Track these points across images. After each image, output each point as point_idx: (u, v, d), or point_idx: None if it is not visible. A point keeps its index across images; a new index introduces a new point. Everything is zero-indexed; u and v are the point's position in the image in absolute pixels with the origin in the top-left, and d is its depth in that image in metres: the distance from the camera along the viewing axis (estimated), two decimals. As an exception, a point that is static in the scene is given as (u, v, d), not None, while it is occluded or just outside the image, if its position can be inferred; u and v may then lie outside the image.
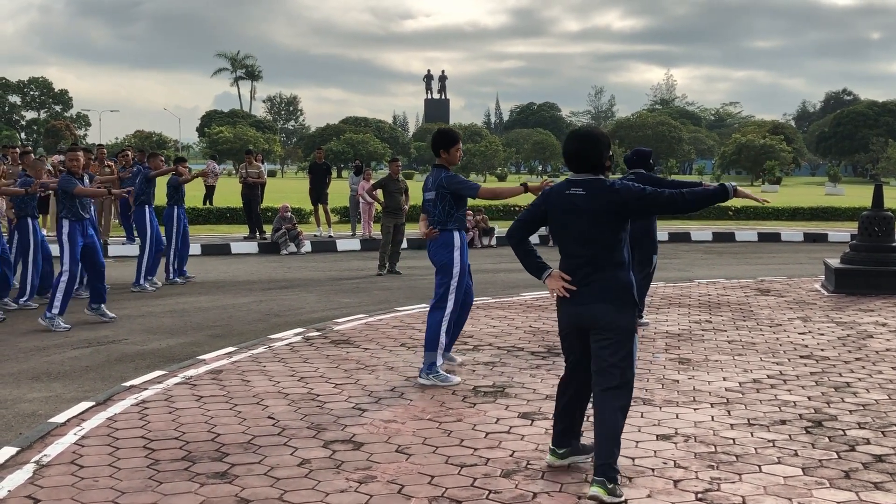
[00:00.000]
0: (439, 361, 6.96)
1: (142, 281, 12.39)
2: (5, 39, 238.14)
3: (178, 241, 13.16)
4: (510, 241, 4.91)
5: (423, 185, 7.26)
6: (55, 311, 9.39)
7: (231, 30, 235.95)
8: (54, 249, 10.79)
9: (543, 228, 5.19)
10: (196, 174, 15.24)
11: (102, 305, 9.96)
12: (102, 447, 5.35)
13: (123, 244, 17.43)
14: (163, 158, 13.26)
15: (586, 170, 4.66)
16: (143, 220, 12.54)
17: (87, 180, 10.12)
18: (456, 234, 7.06)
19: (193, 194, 29.81)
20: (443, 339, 6.97)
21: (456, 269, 7.04)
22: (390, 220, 14.51)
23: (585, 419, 5.07)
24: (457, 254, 7.03)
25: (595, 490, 4.42)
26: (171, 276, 13.19)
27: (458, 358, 7.59)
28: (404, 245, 15.86)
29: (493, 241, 19.94)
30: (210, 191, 29.08)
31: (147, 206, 12.64)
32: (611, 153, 4.81)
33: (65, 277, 9.47)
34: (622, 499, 4.44)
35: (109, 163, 18.12)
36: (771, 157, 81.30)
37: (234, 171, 72.11)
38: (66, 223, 9.58)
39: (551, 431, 5.08)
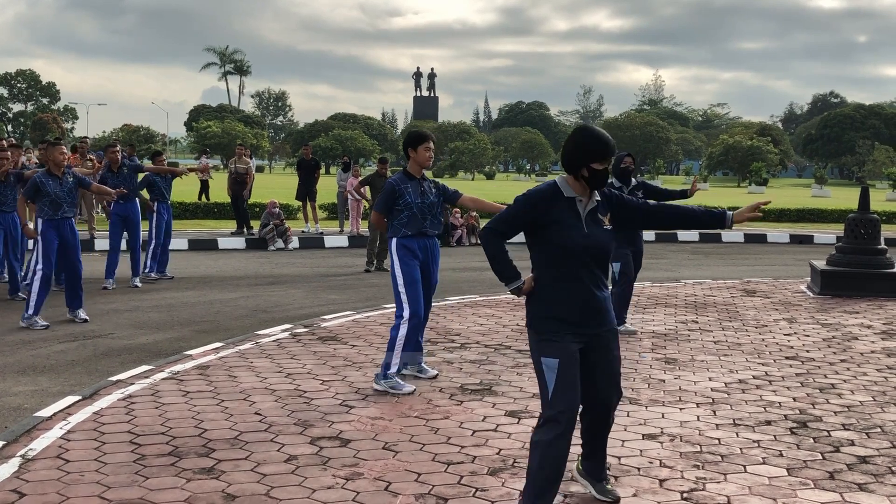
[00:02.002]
0: (393, 370, 6.69)
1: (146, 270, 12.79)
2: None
3: (161, 237, 13.08)
4: None
5: None
6: (30, 311, 9.15)
7: (220, 24, 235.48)
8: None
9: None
10: (182, 170, 15.00)
11: (79, 311, 9.53)
12: (88, 441, 5.33)
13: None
14: (117, 150, 12.69)
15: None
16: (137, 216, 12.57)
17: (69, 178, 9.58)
18: (392, 242, 6.80)
19: (190, 189, 29.83)
20: (397, 346, 6.68)
21: (396, 271, 6.74)
22: (378, 217, 14.46)
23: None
24: (395, 259, 6.74)
25: None
26: (147, 270, 12.91)
27: (432, 371, 7.15)
28: (392, 242, 15.84)
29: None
30: (205, 185, 29.06)
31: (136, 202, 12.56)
32: (587, 159, 4.05)
33: (38, 276, 9.23)
34: None
35: (91, 156, 17.92)
36: (758, 158, 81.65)
37: (220, 167, 71.81)
38: (39, 221, 9.37)
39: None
